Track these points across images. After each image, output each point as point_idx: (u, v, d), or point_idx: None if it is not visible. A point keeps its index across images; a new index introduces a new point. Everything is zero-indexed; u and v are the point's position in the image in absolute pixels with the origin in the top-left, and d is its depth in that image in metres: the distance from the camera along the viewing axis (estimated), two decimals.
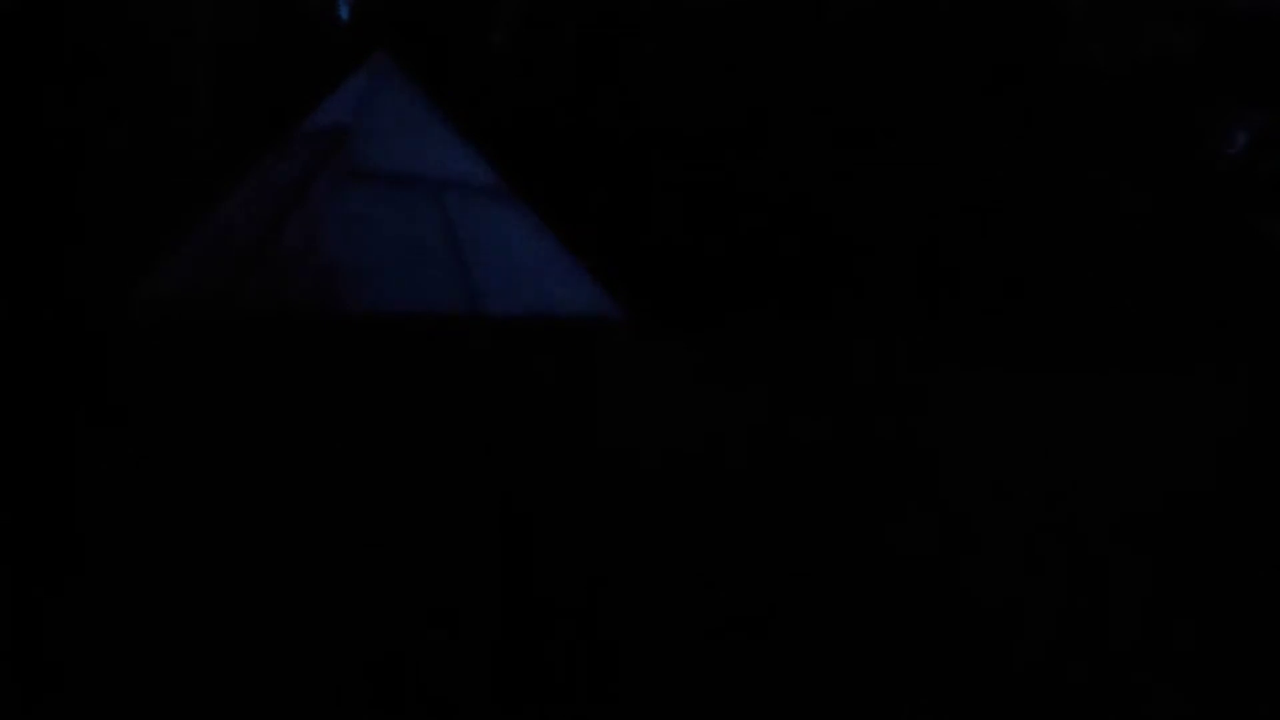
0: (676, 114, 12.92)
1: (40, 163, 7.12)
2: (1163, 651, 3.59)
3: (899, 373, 9.58)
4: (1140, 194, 12.37)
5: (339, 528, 4.31)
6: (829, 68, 12.73)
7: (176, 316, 6.41)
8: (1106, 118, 12.46)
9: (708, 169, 12.82)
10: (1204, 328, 11.16)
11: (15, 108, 7.20)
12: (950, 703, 3.18)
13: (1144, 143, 12.55)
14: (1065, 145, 12.48)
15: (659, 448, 6.12)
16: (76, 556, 3.91)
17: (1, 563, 3.84)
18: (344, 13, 14.70)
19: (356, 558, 4.02)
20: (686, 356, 9.47)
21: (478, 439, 5.64)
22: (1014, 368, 10.18)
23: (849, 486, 5.65)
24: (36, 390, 5.42)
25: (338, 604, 3.59)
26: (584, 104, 13.28)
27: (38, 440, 5.00)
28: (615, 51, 13.65)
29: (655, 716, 3.04)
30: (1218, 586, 4.25)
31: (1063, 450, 6.86)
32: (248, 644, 3.27)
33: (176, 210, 7.55)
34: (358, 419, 5.40)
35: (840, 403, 8.22)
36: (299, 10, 14.12)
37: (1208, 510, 5.39)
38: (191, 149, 9.14)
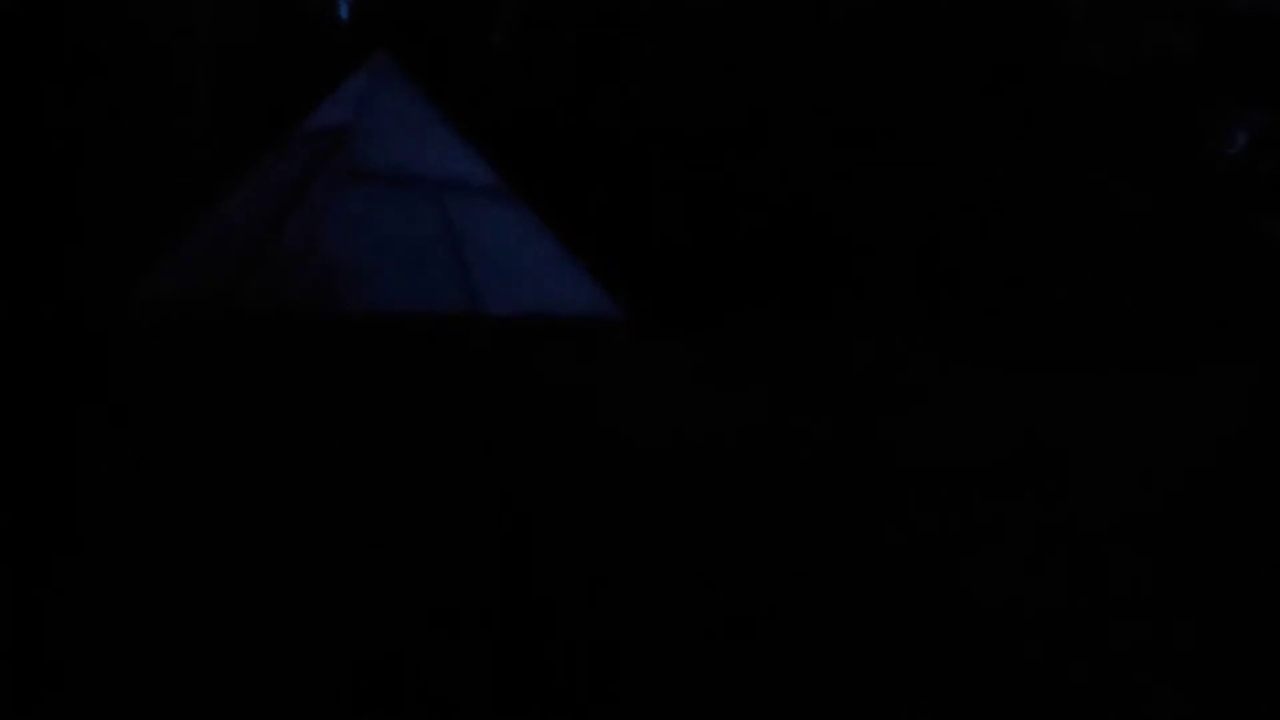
0: (676, 114, 12.92)
1: (40, 163, 7.12)
2: (1163, 652, 3.59)
3: (899, 373, 9.58)
4: (1140, 194, 12.36)
5: (339, 528, 4.31)
6: (829, 68, 12.73)
7: (176, 316, 6.42)
8: (1106, 118, 12.46)
9: (708, 169, 12.82)
10: (1204, 328, 11.16)
11: (15, 108, 7.20)
12: (950, 703, 3.18)
13: (1144, 143, 12.54)
14: (1065, 145, 12.48)
15: (659, 447, 6.12)
16: (77, 556, 3.91)
17: (1, 562, 3.83)
18: (344, 13, 14.70)
19: (356, 558, 4.02)
20: (686, 356, 9.46)
21: (478, 439, 5.64)
22: (1014, 368, 10.17)
23: (849, 486, 5.64)
24: (36, 390, 5.42)
25: (338, 604, 3.59)
26: (584, 104, 13.27)
27: (38, 440, 4.99)
28: (615, 51, 13.65)
29: (655, 716, 3.04)
30: (1218, 586, 4.25)
31: (1063, 450, 6.86)
32: (247, 644, 3.27)
33: (176, 210, 7.55)
34: (358, 419, 5.40)
35: (840, 403, 8.22)
36: (299, 10, 14.12)
37: (1208, 510, 5.39)
38: (191, 149, 9.13)
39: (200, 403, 5.50)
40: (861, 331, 10.81)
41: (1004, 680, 3.30)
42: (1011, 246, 12.35)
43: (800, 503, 5.22)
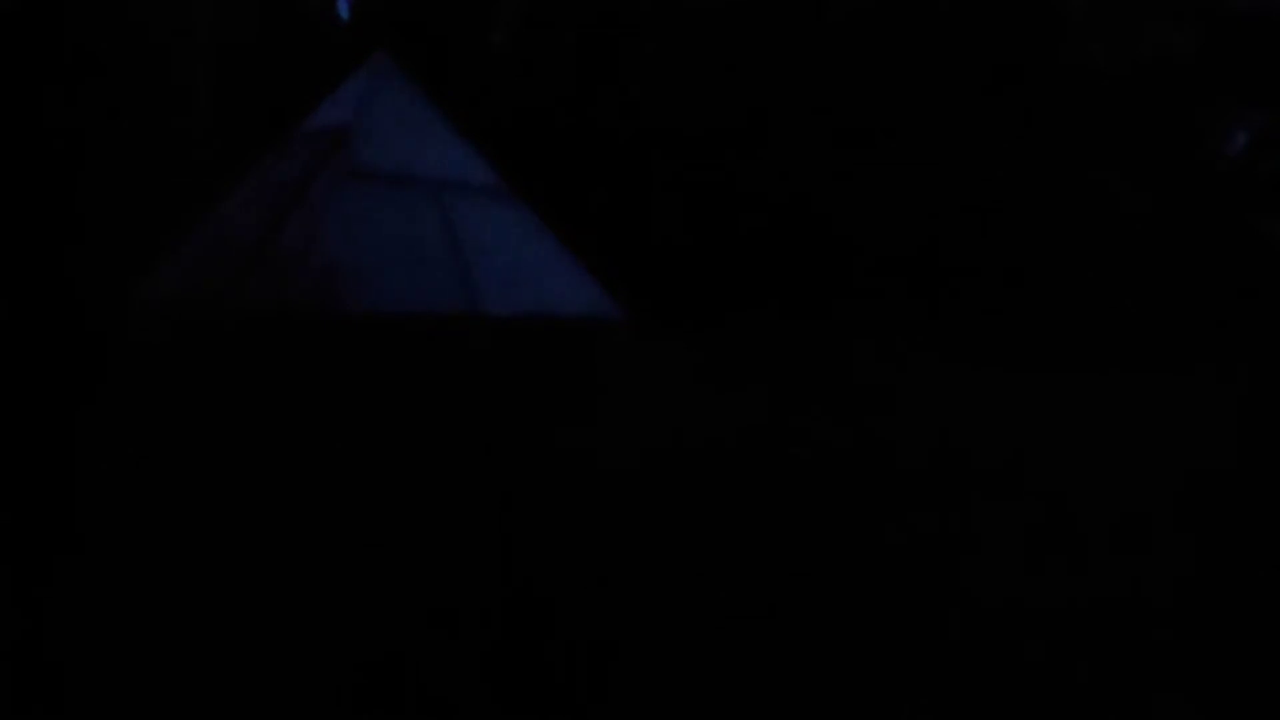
0: (676, 114, 12.92)
1: (40, 163, 7.12)
2: (1163, 652, 3.59)
3: (899, 373, 9.58)
4: (1140, 194, 12.37)
5: (339, 528, 4.31)
6: (829, 68, 12.73)
7: (176, 316, 6.42)
8: (1106, 118, 12.46)
9: (708, 169, 12.82)
10: (1204, 328, 11.16)
11: (15, 108, 7.20)
12: (950, 703, 3.18)
13: (1144, 143, 12.54)
14: (1065, 145, 12.48)
15: (659, 447, 6.12)
16: (77, 556, 3.91)
17: (1, 562, 3.83)
18: (344, 13, 14.70)
19: (356, 558, 4.02)
20: (686, 356, 9.46)
21: (478, 439, 5.64)
22: (1014, 368, 10.17)
23: (849, 486, 5.65)
24: (37, 390, 5.42)
25: (338, 604, 3.59)
26: (584, 104, 13.27)
27: (38, 440, 4.99)
28: (615, 51, 13.65)
29: (655, 716, 3.04)
30: (1218, 586, 4.25)
31: (1063, 450, 6.86)
32: (247, 644, 3.27)
33: (176, 210, 7.54)
34: (358, 419, 5.40)
35: (840, 403, 8.22)
36: (299, 10, 14.12)
37: (1208, 510, 5.39)
38: (191, 149, 9.13)
39: (200, 403, 5.50)
40: (861, 331, 10.81)
41: (1004, 680, 3.30)
42: (1011, 246, 12.35)
43: (800, 503, 5.23)
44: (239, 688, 3.04)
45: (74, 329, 6.07)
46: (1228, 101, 12.87)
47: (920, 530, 4.89)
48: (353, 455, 5.16)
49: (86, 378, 5.66)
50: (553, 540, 4.40)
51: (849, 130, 12.73)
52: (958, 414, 8.04)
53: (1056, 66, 12.69)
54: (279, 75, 11.86)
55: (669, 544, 4.47)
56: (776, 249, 12.63)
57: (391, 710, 2.99)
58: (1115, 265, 12.15)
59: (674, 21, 13.43)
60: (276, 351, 5.69)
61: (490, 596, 3.78)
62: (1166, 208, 12.33)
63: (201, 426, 5.30)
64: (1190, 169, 12.73)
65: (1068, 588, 4.17)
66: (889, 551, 4.55)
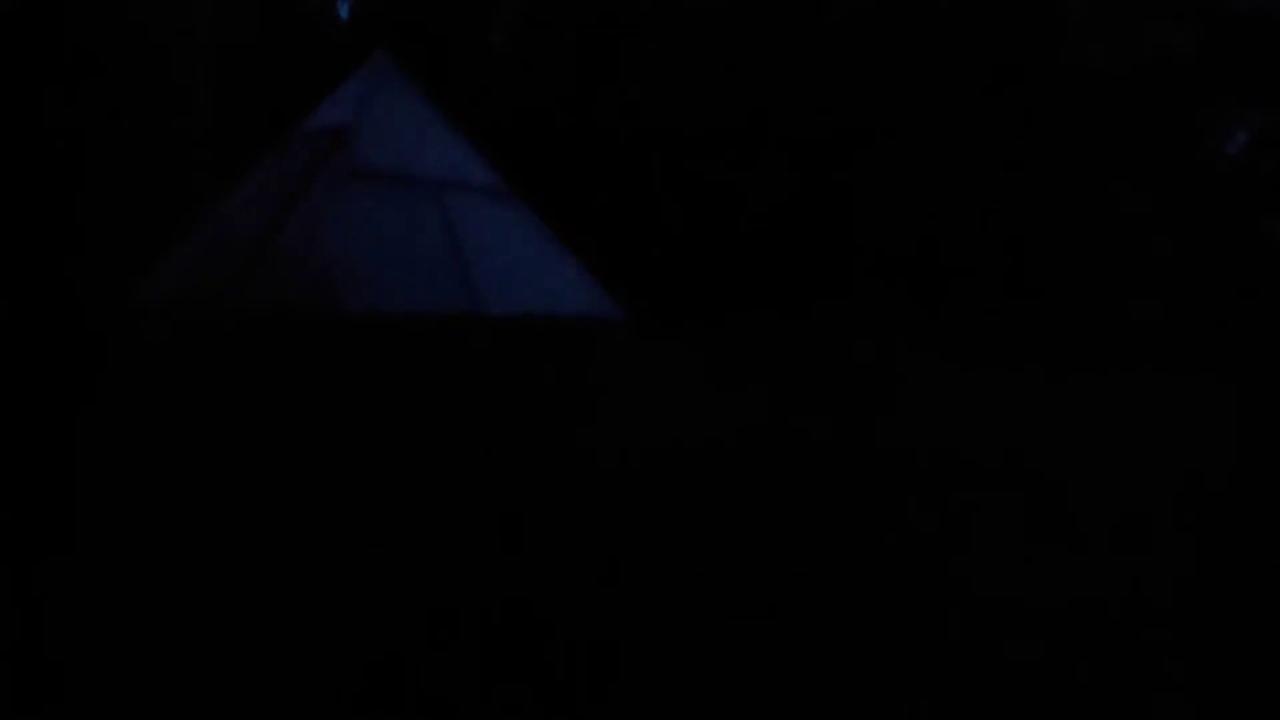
0: (676, 114, 12.92)
1: (40, 163, 7.12)
2: (1163, 652, 3.59)
3: (899, 373, 9.58)
4: (1140, 194, 12.37)
5: (338, 528, 4.31)
6: (829, 68, 12.73)
7: (176, 316, 6.42)
8: (1106, 118, 12.46)
9: (708, 169, 12.82)
10: (1204, 328, 11.16)
11: (15, 108, 7.20)
12: (950, 703, 3.18)
13: (1144, 143, 12.54)
14: (1065, 145, 12.48)
15: (659, 447, 6.12)
16: (76, 556, 3.92)
17: (2, 562, 3.84)
18: (344, 13, 14.71)
19: (356, 558, 4.02)
20: (686, 356, 9.46)
21: (478, 439, 5.64)
22: (1014, 368, 10.17)
23: (849, 486, 5.65)
24: (37, 390, 5.42)
25: (337, 604, 3.59)
26: (584, 104, 13.28)
27: (38, 440, 5.00)
28: (615, 51, 13.65)
29: (655, 717, 3.04)
30: (1218, 586, 4.25)
31: (1063, 450, 6.86)
32: (247, 644, 3.27)
33: (176, 210, 7.55)
34: (358, 419, 5.40)
35: (840, 403, 8.22)
36: (299, 10, 14.12)
37: (1208, 510, 5.39)
38: (191, 149, 9.13)
39: (200, 403, 5.50)
40: (861, 331, 10.81)
41: (1003, 680, 3.31)
42: (1011, 246, 12.36)
43: (800, 503, 5.23)
44: (239, 688, 3.04)
45: (74, 329, 6.07)
46: (1228, 101, 12.87)
47: (920, 530, 4.89)
48: (353, 455, 5.16)
49: (86, 378, 5.66)
50: (553, 540, 4.40)
51: (849, 130, 12.74)
52: (958, 414, 8.04)
53: (1056, 66, 12.69)
54: (279, 75, 11.87)
55: (669, 544, 4.47)
56: (777, 249, 12.64)
57: (391, 710, 3.00)
58: (1115, 265, 12.15)
59: (674, 21, 13.44)
60: (276, 351, 5.69)
61: (490, 596, 3.78)
62: (1166, 208, 12.34)
63: (201, 427, 5.30)
64: (1190, 169, 12.73)
65: (1067, 587, 4.17)
66: (889, 551, 4.55)
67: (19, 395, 5.32)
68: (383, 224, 6.53)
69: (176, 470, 4.81)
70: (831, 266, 12.51)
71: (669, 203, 12.84)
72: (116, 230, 7.26)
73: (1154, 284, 11.91)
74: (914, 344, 10.68)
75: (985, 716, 3.14)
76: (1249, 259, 12.04)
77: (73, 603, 3.53)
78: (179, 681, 3.06)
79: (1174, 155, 12.69)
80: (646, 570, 4.15)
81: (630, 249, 11.50)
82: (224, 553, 3.95)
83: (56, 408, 5.33)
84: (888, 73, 12.60)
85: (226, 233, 6.95)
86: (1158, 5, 12.72)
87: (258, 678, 3.11)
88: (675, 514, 4.91)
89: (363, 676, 3.15)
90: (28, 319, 6.20)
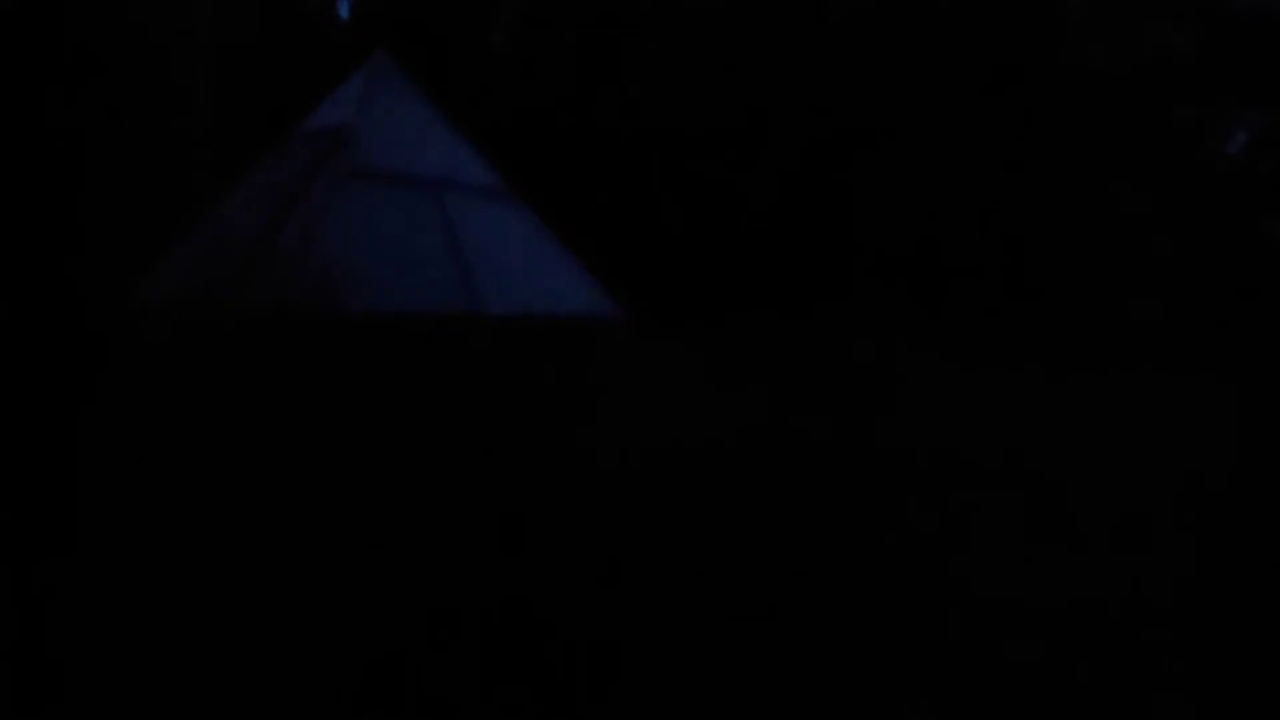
0: (676, 114, 12.92)
1: (40, 163, 7.12)
2: (1163, 651, 3.59)
3: (899, 373, 9.58)
4: (1140, 194, 12.37)
5: (338, 527, 4.31)
6: (829, 68, 12.73)
7: (176, 316, 6.42)
8: (1106, 118, 12.46)
9: (708, 169, 12.82)
10: (1204, 327, 11.16)
11: (15, 108, 7.20)
12: (950, 702, 3.18)
13: (1144, 143, 12.55)
14: (1065, 145, 12.48)
15: (659, 447, 6.12)
16: (76, 556, 3.92)
17: (2, 562, 3.84)
18: (344, 13, 14.71)
19: (356, 558, 4.02)
20: (686, 356, 9.46)
21: (478, 439, 5.64)
22: (1014, 368, 10.18)
23: (849, 486, 5.65)
24: (37, 390, 5.42)
25: (337, 604, 3.59)
26: (584, 104, 13.28)
27: (38, 440, 5.00)
28: (615, 51, 13.65)
29: (655, 717, 3.04)
30: (1218, 586, 4.25)
31: (1063, 450, 6.86)
32: (247, 643, 3.27)
33: (176, 210, 7.55)
34: (358, 419, 5.40)
35: (840, 403, 8.22)
36: (299, 10, 14.13)
37: (1208, 510, 5.39)
38: (191, 149, 9.13)
39: (200, 403, 5.50)
40: (861, 331, 10.81)
41: (1003, 680, 3.31)
42: (1011, 246, 12.36)
43: (800, 503, 5.23)
44: (239, 687, 3.04)
45: (74, 329, 6.07)
46: (1228, 101, 12.87)
47: (920, 530, 4.89)
48: (353, 455, 5.16)
49: (86, 378, 5.66)
50: (553, 540, 4.40)
51: (849, 130, 12.74)
52: (958, 414, 8.04)
53: (1056, 66, 12.70)
54: (279, 75, 11.87)
55: (669, 544, 4.47)
56: (777, 249, 12.64)
57: (391, 710, 3.00)
58: (1115, 265, 12.15)
59: (674, 21, 13.44)
60: (276, 351, 5.69)
61: (490, 596, 3.78)
62: (1166, 208, 12.34)
63: (201, 427, 5.30)
64: (1190, 169, 12.73)
65: (1067, 587, 4.17)
66: (888, 551, 4.55)
67: (19, 395, 5.32)
68: (383, 224, 6.53)
69: (176, 470, 4.81)
70: (831, 266, 12.51)
71: (669, 203, 12.84)
72: (116, 230, 7.26)
73: (1154, 284, 11.91)
74: (914, 344, 10.68)
75: (985, 716, 3.14)
76: (1249, 259, 12.04)
77: (73, 603, 3.53)
78: (179, 681, 3.06)
79: (1174, 155, 12.69)
80: (646, 570, 4.15)
81: (630, 249, 11.50)
82: (224, 553, 3.96)
83: (56, 408, 5.33)
84: (888, 73, 12.61)
85: (226, 233, 6.95)
86: (1158, 5, 12.72)
87: (258, 678, 3.11)
88: (675, 514, 4.91)
89: (363, 676, 3.15)
90: (28, 319, 6.20)
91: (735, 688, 3.22)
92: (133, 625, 3.37)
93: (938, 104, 12.55)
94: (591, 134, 13.07)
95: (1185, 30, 12.48)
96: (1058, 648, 3.60)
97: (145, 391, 5.60)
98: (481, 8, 14.51)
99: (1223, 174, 12.86)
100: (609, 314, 7.31)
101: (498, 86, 13.52)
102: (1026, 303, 12.05)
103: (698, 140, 12.87)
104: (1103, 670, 3.45)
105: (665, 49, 13.29)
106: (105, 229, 7.20)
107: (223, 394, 5.53)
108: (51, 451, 4.91)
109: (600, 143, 13.07)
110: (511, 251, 7.05)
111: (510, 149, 9.17)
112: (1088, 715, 3.16)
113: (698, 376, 8.80)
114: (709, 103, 12.82)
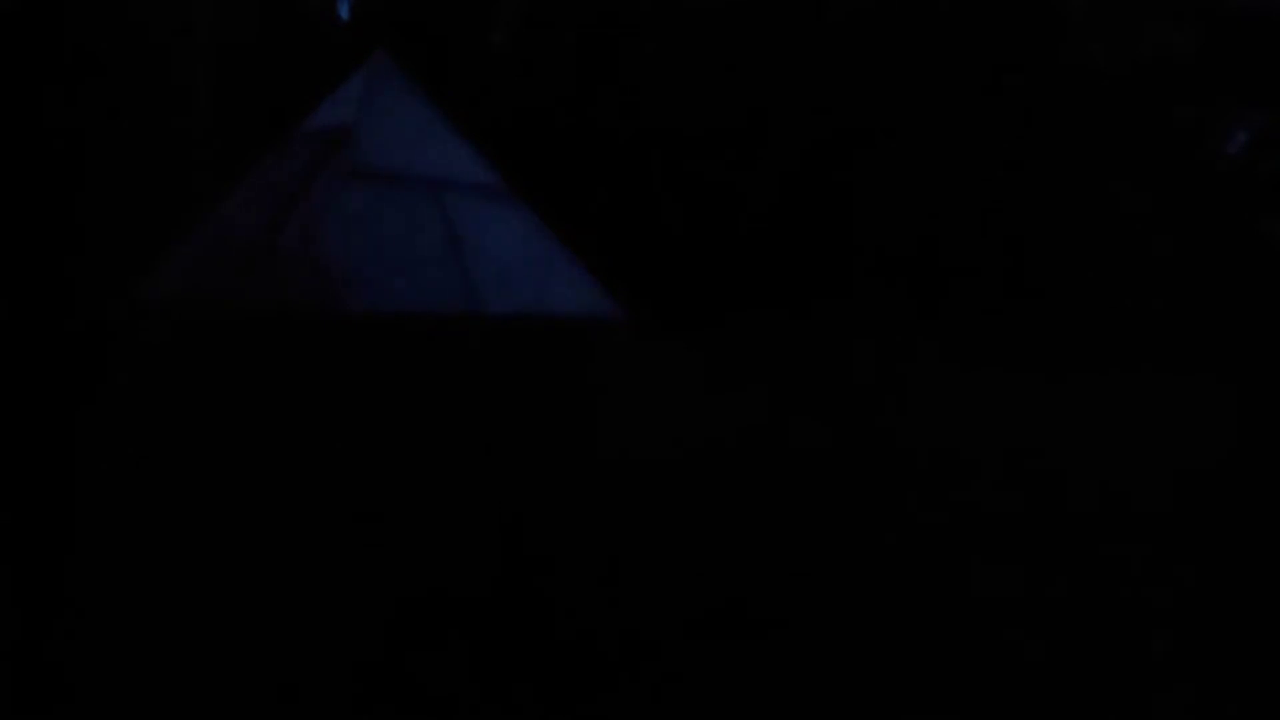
0: (676, 114, 12.92)
1: (40, 163, 7.12)
2: (1163, 651, 3.59)
3: (899, 373, 9.58)
4: (1140, 194, 12.37)
5: (338, 527, 4.31)
6: (829, 68, 12.73)
7: (176, 316, 6.41)
8: (1106, 118, 12.46)
9: (708, 169, 12.82)
10: (1204, 327, 11.16)
11: (15, 108, 7.20)
12: (950, 702, 3.18)
13: (1144, 143, 12.54)
14: (1065, 145, 12.48)
15: (659, 448, 6.12)
16: (76, 556, 3.91)
17: (1, 562, 3.84)
18: (344, 13, 14.70)
19: (356, 557, 4.02)
20: (686, 356, 9.46)
21: (477, 439, 5.64)
22: (1014, 368, 10.18)
23: (849, 487, 5.65)
24: (36, 390, 5.42)
25: (337, 603, 3.59)
26: (584, 104, 13.28)
27: (37, 440, 5.00)
28: (615, 51, 13.65)
29: (655, 716, 3.04)
30: (1218, 586, 4.25)
31: (1063, 450, 6.86)
32: (247, 643, 3.27)
33: (176, 210, 7.54)
34: (358, 419, 5.40)
35: (840, 403, 8.22)
36: (299, 10, 14.12)
37: (1208, 510, 5.39)
38: (191, 149, 9.13)
39: (200, 403, 5.50)
40: (861, 331, 10.81)
41: (1004, 680, 3.31)
42: (1011, 246, 12.35)
43: (800, 503, 5.23)
44: (239, 687, 3.04)
45: (74, 329, 6.07)
46: (1228, 101, 12.87)
47: (920, 530, 4.89)
48: (353, 455, 5.15)
49: (86, 378, 5.66)
50: (553, 540, 4.40)
51: (849, 130, 12.73)
52: (958, 414, 8.04)
53: (1056, 66, 12.69)
54: (279, 75, 11.87)
55: (669, 544, 4.47)
56: (776, 249, 12.64)
57: (391, 710, 3.00)
58: (1115, 265, 12.15)
59: (674, 21, 13.43)
60: (276, 351, 5.69)
61: (490, 596, 3.78)
62: (1166, 208, 12.34)
63: (201, 426, 5.30)
64: (1190, 169, 12.73)
65: (1068, 587, 4.17)
66: (888, 551, 4.55)
67: (19, 395, 5.32)
68: (383, 224, 6.52)
69: (176, 470, 4.81)
70: (831, 266, 12.51)
71: (669, 203, 12.84)
72: (116, 230, 7.26)
73: (1154, 284, 11.91)
74: (914, 344, 10.68)
75: (985, 716, 3.14)
76: (1249, 259, 12.04)
77: (73, 602, 3.53)
78: (179, 681, 3.06)
79: (1174, 155, 12.69)
80: (647, 570, 4.15)
81: (630, 249, 11.50)
82: (224, 552, 3.95)
83: (57, 408, 5.32)
84: (888, 73, 12.60)
85: (226, 233, 6.94)
86: (1158, 5, 12.72)
87: (257, 677, 3.11)
88: (675, 514, 4.91)
89: (362, 676, 3.15)
90: (28, 319, 6.19)
91: (735, 687, 3.22)
92: (133, 625, 3.37)
93: (938, 104, 12.55)
94: (591, 134, 13.07)
95: (1185, 30, 12.48)
96: (1058, 647, 3.60)
97: (145, 391, 5.60)
98: (481, 8, 14.51)
99: (1223, 174, 12.86)
100: (609, 314, 7.29)
101: (498, 86, 13.52)
102: (1026, 303, 12.05)
103: (698, 140, 12.86)
104: (1103, 670, 3.45)
105: (665, 49, 13.28)
106: (105, 229, 7.19)
107: (223, 394, 5.52)
108: (52, 451, 4.91)
109: (600, 143, 13.06)
110: (511, 251, 7.04)
111: (510, 149, 9.17)
112: (1088, 715, 3.16)
113: (698, 376, 8.80)
114: (709, 103, 12.82)
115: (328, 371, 5.56)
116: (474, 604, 3.68)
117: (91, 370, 5.70)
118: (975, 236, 12.38)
